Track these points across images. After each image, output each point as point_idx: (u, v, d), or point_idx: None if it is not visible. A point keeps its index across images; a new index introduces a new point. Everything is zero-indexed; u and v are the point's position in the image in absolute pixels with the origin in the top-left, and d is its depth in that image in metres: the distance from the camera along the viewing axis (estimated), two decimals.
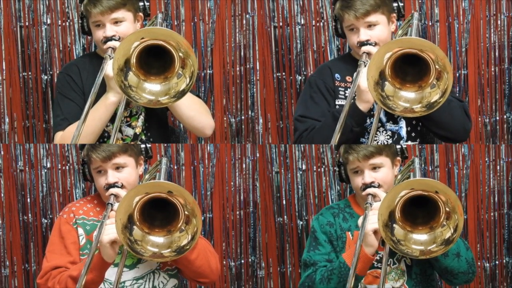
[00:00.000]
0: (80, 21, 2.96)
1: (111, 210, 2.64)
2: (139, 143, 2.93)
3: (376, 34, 2.85)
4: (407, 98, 2.67)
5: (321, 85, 2.96)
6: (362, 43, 2.83)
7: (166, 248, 2.57)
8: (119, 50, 2.64)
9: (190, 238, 2.56)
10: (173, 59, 2.65)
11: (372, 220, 2.56)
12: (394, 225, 2.55)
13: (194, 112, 2.94)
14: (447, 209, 2.52)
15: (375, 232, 2.56)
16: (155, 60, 2.69)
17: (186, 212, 2.55)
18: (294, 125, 2.97)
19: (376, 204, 2.61)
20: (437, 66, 2.60)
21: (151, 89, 2.70)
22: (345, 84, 2.95)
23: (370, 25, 2.85)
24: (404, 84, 2.66)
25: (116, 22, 2.90)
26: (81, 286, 2.50)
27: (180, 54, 2.65)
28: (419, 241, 2.56)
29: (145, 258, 2.60)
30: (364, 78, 2.69)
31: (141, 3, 2.97)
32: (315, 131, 2.88)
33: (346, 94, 2.93)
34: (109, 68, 2.74)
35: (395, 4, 2.92)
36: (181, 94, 2.68)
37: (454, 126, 2.86)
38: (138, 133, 2.99)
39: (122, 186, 2.71)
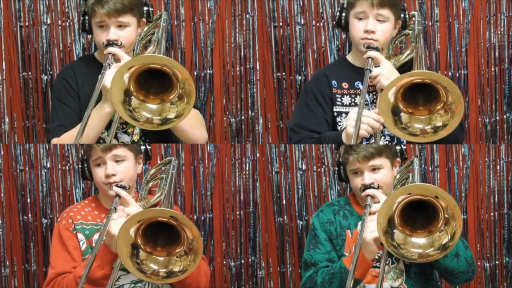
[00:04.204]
0: (81, 18, 2.93)
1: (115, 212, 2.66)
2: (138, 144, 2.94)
3: (383, 29, 2.86)
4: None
5: (317, 92, 2.97)
6: (367, 31, 2.84)
7: (163, 268, 2.59)
8: (114, 85, 2.59)
9: (182, 269, 2.58)
10: (172, 83, 2.62)
11: (371, 229, 2.56)
12: (394, 230, 2.55)
13: (188, 126, 2.92)
14: (446, 215, 2.52)
15: (375, 239, 2.56)
16: (155, 79, 2.66)
17: (188, 247, 2.56)
18: (289, 135, 2.99)
19: (376, 206, 2.61)
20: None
21: (149, 107, 2.66)
22: (342, 91, 2.95)
23: (379, 20, 2.86)
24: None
25: (121, 26, 2.88)
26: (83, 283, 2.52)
27: (181, 90, 2.62)
28: (417, 244, 2.55)
29: (146, 276, 2.61)
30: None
31: (145, 8, 2.95)
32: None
33: (343, 101, 2.94)
34: (107, 80, 2.69)
35: (401, 15, 2.95)
36: (167, 121, 2.65)
37: (447, 138, 2.85)
38: (136, 140, 2.98)
39: (122, 187, 2.72)
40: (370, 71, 2.77)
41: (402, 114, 2.61)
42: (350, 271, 2.50)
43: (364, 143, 2.89)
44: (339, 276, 2.63)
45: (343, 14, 2.93)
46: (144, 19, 2.96)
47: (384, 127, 2.92)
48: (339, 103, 2.94)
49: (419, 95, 2.63)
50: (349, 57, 3.02)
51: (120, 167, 2.74)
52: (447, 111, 2.59)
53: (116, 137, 2.96)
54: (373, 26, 2.85)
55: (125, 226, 2.53)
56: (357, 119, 2.63)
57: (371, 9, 2.85)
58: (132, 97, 2.63)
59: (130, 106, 2.63)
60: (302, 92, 3.06)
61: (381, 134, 2.93)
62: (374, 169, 2.72)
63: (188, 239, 2.54)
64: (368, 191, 2.69)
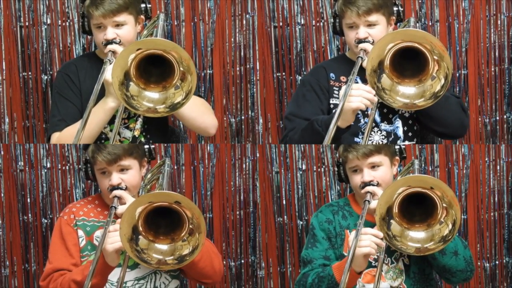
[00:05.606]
0: (81, 20, 2.94)
1: (115, 213, 2.65)
2: (142, 143, 2.93)
3: (375, 33, 2.86)
4: (407, 94, 2.66)
5: (314, 83, 2.97)
6: (360, 41, 2.85)
7: (169, 255, 2.58)
8: (116, 66, 2.62)
9: (191, 249, 2.56)
10: (173, 68, 2.64)
11: (364, 244, 2.55)
12: (391, 220, 2.56)
13: (197, 113, 2.92)
14: (444, 204, 2.52)
15: (365, 255, 2.56)
16: (154, 67, 2.68)
17: (191, 226, 2.56)
18: (284, 123, 2.98)
19: (375, 203, 2.61)
20: (435, 57, 2.59)
21: (150, 97, 2.68)
22: (340, 84, 2.95)
23: (370, 24, 2.87)
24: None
25: (118, 25, 2.89)
26: None
27: (181, 68, 2.63)
28: (415, 238, 2.56)
29: (152, 266, 2.60)
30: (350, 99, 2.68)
31: (143, 5, 2.96)
32: (297, 134, 2.89)
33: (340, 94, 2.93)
34: (108, 74, 2.71)
35: (395, 8, 2.94)
36: (176, 106, 2.67)
37: (451, 122, 2.86)
38: (137, 135, 2.98)
39: (126, 188, 2.71)
40: (362, 59, 2.78)
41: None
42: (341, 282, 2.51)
43: (362, 141, 2.89)
44: (326, 281, 2.64)
45: (337, 21, 2.94)
46: (142, 16, 2.96)
47: (381, 121, 2.93)
48: (336, 96, 2.94)
49: (408, 67, 2.66)
50: (348, 54, 3.03)
51: (125, 176, 2.73)
52: (439, 65, 2.61)
53: (118, 132, 2.96)
54: (364, 34, 2.86)
55: (133, 204, 2.53)
56: (345, 93, 2.66)
57: (359, 18, 2.86)
58: (131, 83, 2.64)
59: (128, 91, 2.64)
60: (299, 84, 3.06)
61: (378, 129, 2.94)
62: (373, 166, 2.72)
63: (189, 219, 2.54)
64: (368, 188, 2.69)
